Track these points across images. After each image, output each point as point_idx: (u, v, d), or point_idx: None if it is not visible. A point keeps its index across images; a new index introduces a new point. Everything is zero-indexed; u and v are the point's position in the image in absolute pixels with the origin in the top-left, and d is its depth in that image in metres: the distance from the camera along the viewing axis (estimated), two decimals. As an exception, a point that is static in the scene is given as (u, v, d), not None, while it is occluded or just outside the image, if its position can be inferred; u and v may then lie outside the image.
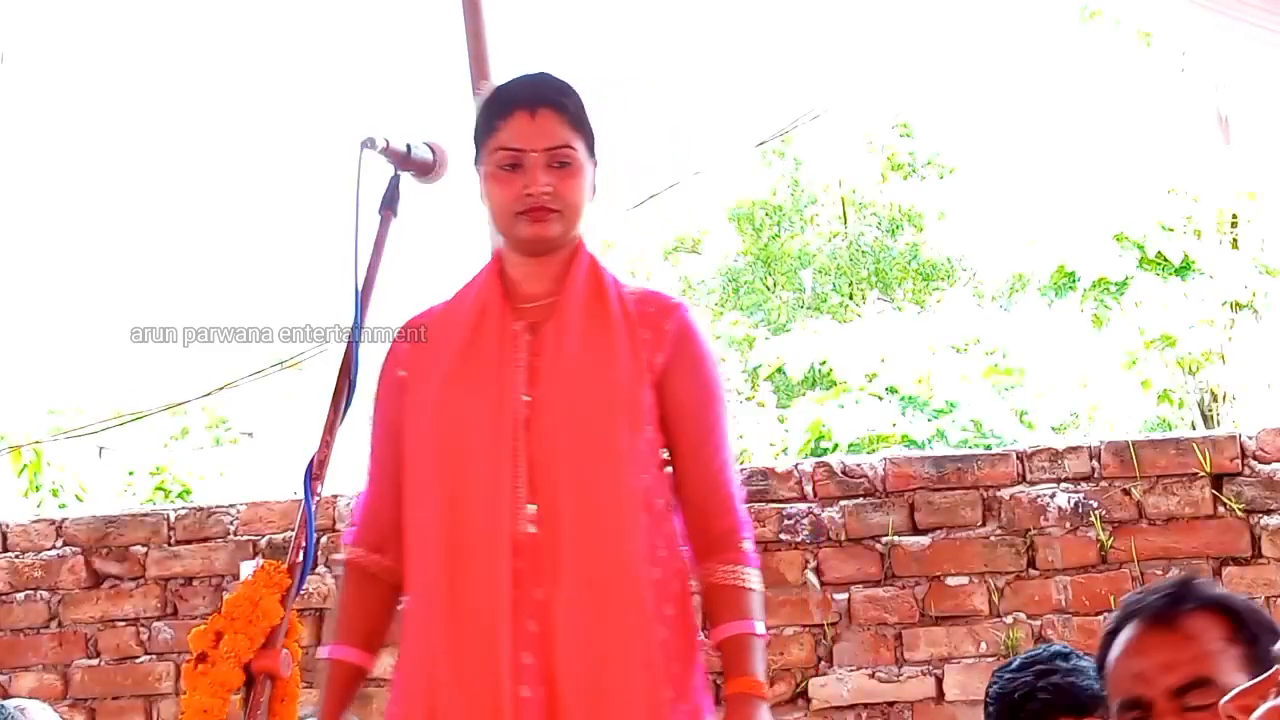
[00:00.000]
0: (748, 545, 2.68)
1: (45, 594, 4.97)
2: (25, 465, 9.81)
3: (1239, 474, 4.59)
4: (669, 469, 2.70)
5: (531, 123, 2.64)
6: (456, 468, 2.61)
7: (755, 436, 12.52)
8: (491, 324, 2.68)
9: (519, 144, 2.63)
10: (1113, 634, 2.14)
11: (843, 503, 4.69)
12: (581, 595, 2.55)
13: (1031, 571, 4.61)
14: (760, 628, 2.63)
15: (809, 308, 15.72)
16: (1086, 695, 2.94)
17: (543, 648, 2.54)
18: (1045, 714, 2.98)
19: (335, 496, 4.80)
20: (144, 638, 4.91)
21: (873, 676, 4.63)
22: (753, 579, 2.65)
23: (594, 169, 2.73)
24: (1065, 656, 3.05)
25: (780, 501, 4.71)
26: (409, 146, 2.64)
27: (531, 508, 2.58)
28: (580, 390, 2.61)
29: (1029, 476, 4.65)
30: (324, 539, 4.62)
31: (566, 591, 2.54)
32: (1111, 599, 4.54)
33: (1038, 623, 4.57)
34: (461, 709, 2.54)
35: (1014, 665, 3.10)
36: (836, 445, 11.21)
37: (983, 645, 4.55)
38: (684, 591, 2.66)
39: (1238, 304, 11.61)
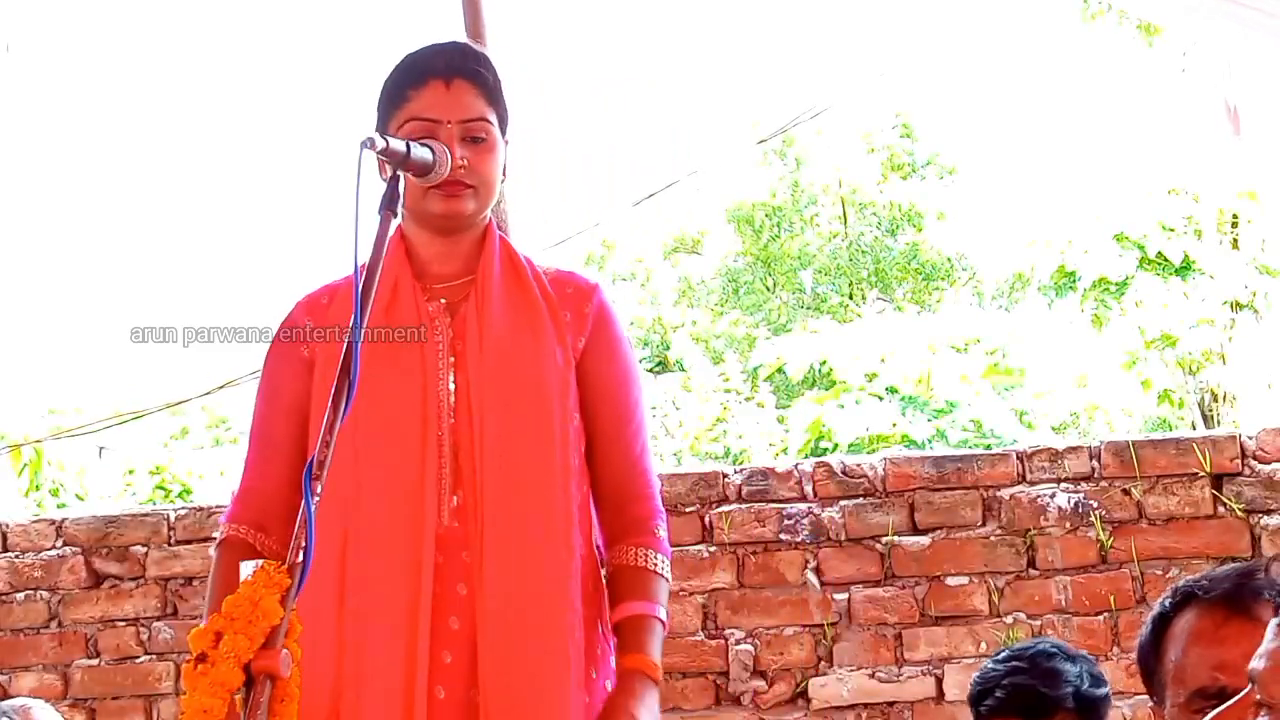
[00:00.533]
0: (661, 532, 2.57)
1: (45, 594, 4.97)
2: (26, 464, 9.81)
3: (1239, 474, 4.58)
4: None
5: (447, 93, 2.50)
6: (374, 456, 2.47)
7: (755, 436, 12.53)
8: (406, 304, 2.53)
9: (433, 114, 2.49)
10: (1167, 618, 2.08)
11: (843, 503, 4.69)
12: (505, 591, 2.43)
13: (1031, 571, 4.61)
14: (663, 614, 2.52)
15: (809, 308, 15.72)
16: (1045, 699, 3.04)
17: (465, 646, 2.43)
18: (1000, 710, 3.10)
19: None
20: (144, 638, 4.91)
21: (873, 676, 4.63)
22: (662, 565, 2.55)
23: (505, 149, 2.58)
24: (1049, 655, 3.13)
25: (780, 501, 4.71)
26: (408, 146, 2.61)
27: (454, 499, 2.47)
28: (510, 376, 2.49)
29: (1029, 476, 4.65)
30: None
31: (489, 587, 2.42)
32: (1111, 599, 4.54)
33: (1038, 623, 4.57)
34: (367, 709, 2.42)
35: (1001, 655, 3.23)
36: (836, 445, 11.21)
37: (983, 645, 4.55)
38: (598, 586, 2.56)
39: (1238, 304, 11.61)
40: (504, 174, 2.61)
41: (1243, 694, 1.76)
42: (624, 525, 2.56)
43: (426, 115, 2.50)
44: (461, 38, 5.38)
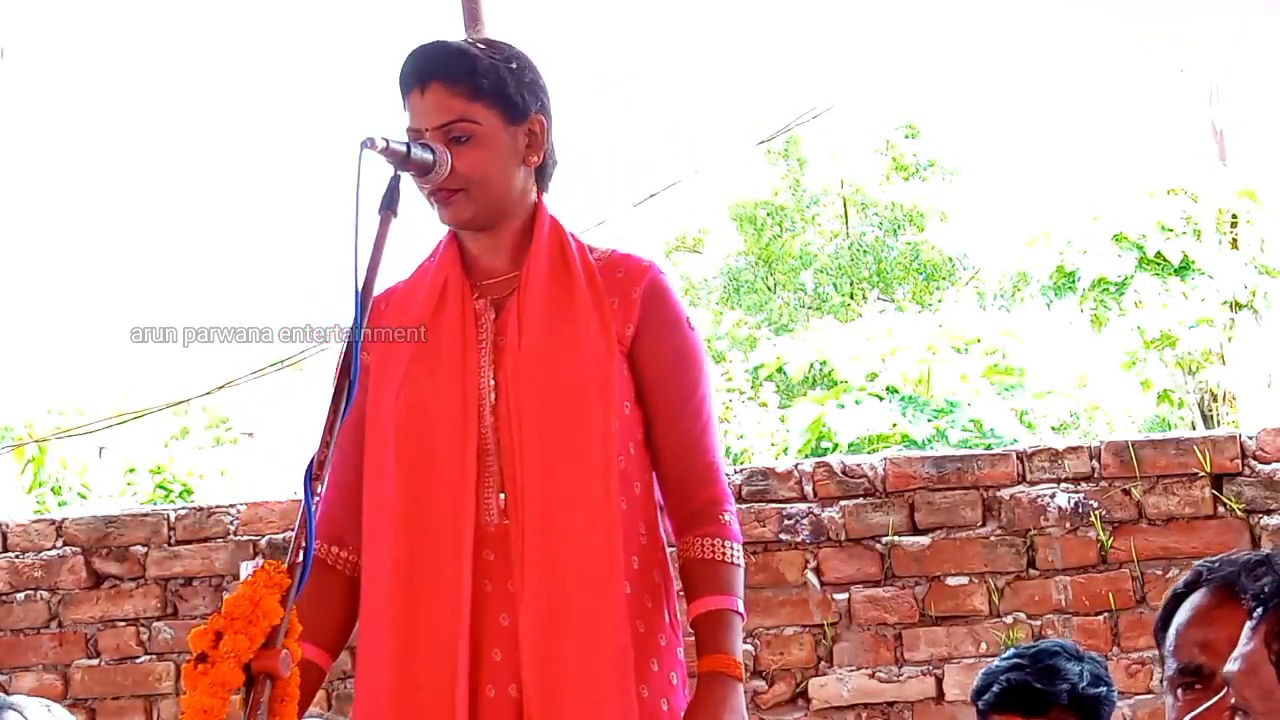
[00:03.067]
0: (729, 518, 2.53)
1: (45, 594, 4.97)
2: (28, 461, 9.82)
3: (1239, 474, 4.58)
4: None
5: (422, 100, 2.48)
6: (419, 457, 2.48)
7: (755, 436, 12.53)
8: (453, 303, 2.53)
9: (414, 124, 2.49)
10: (1180, 596, 2.10)
11: (843, 503, 4.68)
12: (544, 590, 2.41)
13: (1031, 571, 4.61)
14: (739, 604, 2.48)
15: (810, 308, 15.73)
16: (1039, 695, 3.08)
17: (514, 643, 2.42)
18: (996, 704, 3.13)
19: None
20: (144, 638, 4.91)
21: (873, 676, 4.63)
22: (734, 553, 2.50)
23: (524, 131, 2.53)
24: (1052, 654, 3.16)
25: (780, 501, 4.71)
26: (409, 147, 2.61)
27: (502, 497, 2.46)
28: (547, 373, 2.47)
29: (1029, 476, 4.65)
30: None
31: (530, 586, 2.41)
32: (1111, 598, 4.54)
33: (1038, 623, 4.57)
34: (421, 708, 2.42)
35: (1009, 653, 3.25)
36: (837, 445, 11.21)
37: (983, 645, 4.55)
38: (665, 576, 2.53)
39: (1237, 304, 11.61)
40: (538, 156, 2.55)
41: (1218, 697, 1.78)
42: (690, 514, 2.52)
43: (411, 125, 2.50)
44: (459, 36, 5.38)
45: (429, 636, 2.44)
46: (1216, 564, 2.12)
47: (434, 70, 2.49)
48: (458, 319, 2.52)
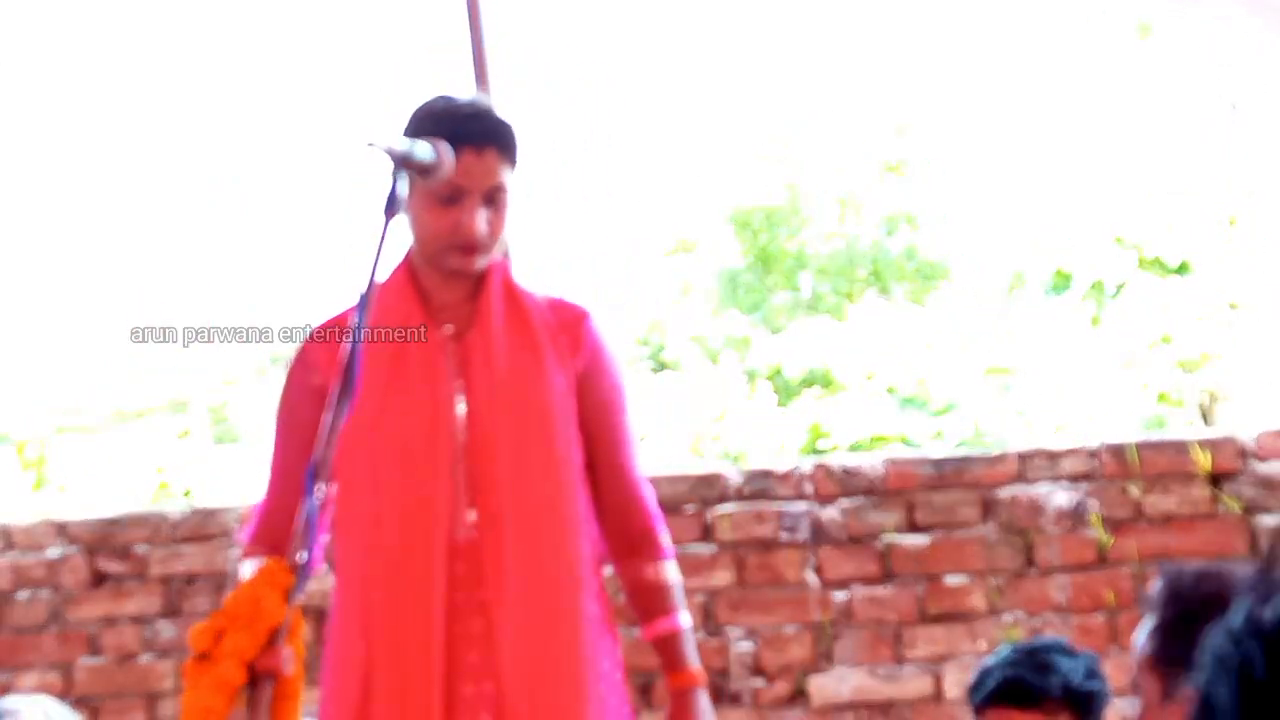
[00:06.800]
0: (664, 539, 2.82)
1: (47, 593, 4.98)
2: (30, 462, 9.84)
3: (1238, 474, 4.59)
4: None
5: (478, 161, 2.67)
6: (392, 476, 2.66)
7: (755, 436, 12.54)
8: (415, 332, 2.72)
9: (461, 182, 2.65)
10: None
11: (843, 502, 4.69)
12: (526, 595, 2.64)
13: (1030, 571, 4.62)
14: (686, 618, 2.80)
15: (807, 308, 15.73)
16: (1032, 689, 3.12)
17: (487, 645, 2.63)
18: (990, 699, 3.17)
19: (336, 496, 4.80)
20: (146, 637, 4.92)
21: (872, 675, 4.64)
22: (673, 573, 2.81)
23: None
24: (1047, 650, 3.20)
25: (780, 501, 4.72)
26: (410, 147, 2.63)
27: (471, 513, 2.65)
28: (517, 397, 2.69)
29: (1028, 476, 4.65)
30: (325, 538, 4.62)
31: (512, 592, 2.63)
32: (1110, 598, 4.55)
33: (1037, 621, 4.57)
34: (395, 712, 2.61)
35: (1006, 649, 3.29)
36: (835, 445, 11.22)
37: (982, 644, 4.56)
38: (602, 588, 2.80)
39: (1237, 304, 11.61)
40: None
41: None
42: (630, 541, 2.81)
43: (456, 182, 2.64)
44: (463, 43, 5.39)
45: (405, 640, 2.62)
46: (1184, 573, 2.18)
47: (492, 137, 2.70)
48: (423, 351, 2.71)
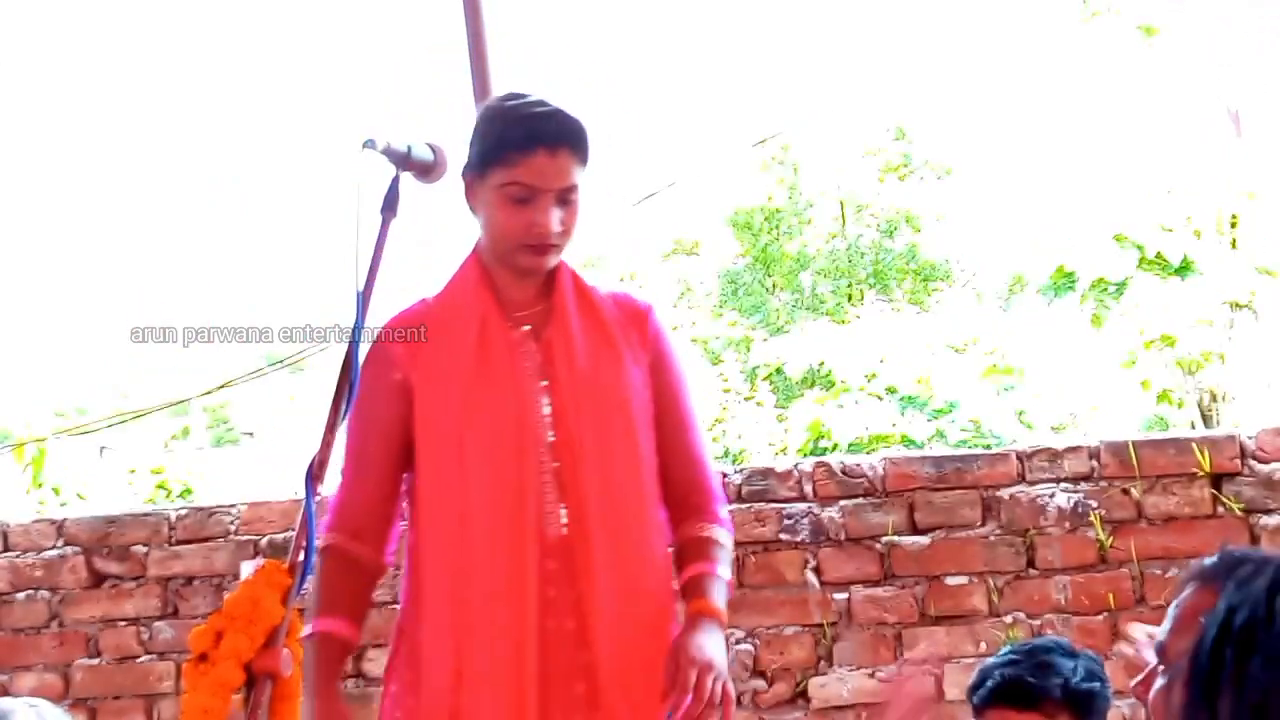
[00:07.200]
0: (723, 513, 2.80)
1: (46, 594, 4.97)
2: (29, 462, 9.82)
3: (1239, 474, 4.58)
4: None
5: (551, 162, 2.67)
6: (483, 474, 2.66)
7: (755, 436, 12.53)
8: (495, 332, 2.73)
9: (535, 182, 2.66)
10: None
11: (843, 503, 4.69)
12: (618, 593, 2.65)
13: (1031, 571, 4.62)
14: (726, 573, 2.75)
15: (808, 309, 15.73)
16: (1031, 689, 3.12)
17: (581, 644, 2.63)
18: (989, 699, 3.18)
19: (335, 496, 4.79)
20: (145, 637, 4.92)
21: (873, 676, 4.63)
22: (723, 536, 2.77)
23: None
24: (1047, 650, 3.19)
25: (780, 501, 4.71)
26: (409, 147, 2.63)
27: (563, 511, 2.66)
28: (600, 394, 2.71)
29: (1028, 476, 4.65)
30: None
31: (604, 589, 2.63)
32: (1111, 598, 4.55)
33: (1037, 622, 4.57)
34: (484, 706, 2.60)
35: (1006, 649, 3.29)
36: (836, 445, 11.22)
37: (982, 645, 4.55)
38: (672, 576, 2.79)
39: (1237, 304, 11.60)
40: None
41: (1151, 667, 2.05)
42: (689, 509, 2.78)
43: (529, 182, 2.65)
44: (463, 43, 5.39)
45: (498, 637, 2.62)
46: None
47: (566, 137, 2.70)
48: (503, 347, 2.72)
